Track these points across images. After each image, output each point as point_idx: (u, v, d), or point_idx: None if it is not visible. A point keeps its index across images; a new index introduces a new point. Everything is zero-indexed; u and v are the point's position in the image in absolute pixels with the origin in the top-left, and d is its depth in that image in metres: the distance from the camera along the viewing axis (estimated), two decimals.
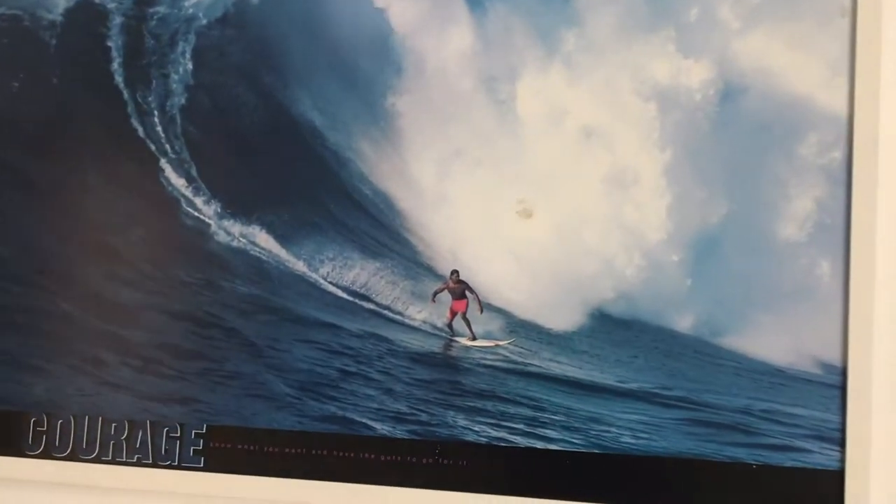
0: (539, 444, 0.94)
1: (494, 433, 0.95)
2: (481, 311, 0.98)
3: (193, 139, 1.06)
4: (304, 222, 1.04)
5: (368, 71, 1.01)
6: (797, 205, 0.90)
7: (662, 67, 0.93)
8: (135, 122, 1.08)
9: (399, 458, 0.97)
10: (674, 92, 0.93)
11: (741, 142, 0.92)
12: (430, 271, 1.00)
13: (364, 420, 0.98)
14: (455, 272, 0.99)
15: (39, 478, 1.06)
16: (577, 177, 0.96)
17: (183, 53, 1.06)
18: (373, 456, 0.97)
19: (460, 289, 0.99)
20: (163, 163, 1.07)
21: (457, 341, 1.00)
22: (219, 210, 1.05)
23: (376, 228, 1.03)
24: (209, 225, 1.05)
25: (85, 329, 1.06)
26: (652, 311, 0.94)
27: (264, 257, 1.04)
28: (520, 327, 0.98)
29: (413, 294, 1.01)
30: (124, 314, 1.06)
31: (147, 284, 1.06)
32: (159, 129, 1.07)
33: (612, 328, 0.95)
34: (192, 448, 1.02)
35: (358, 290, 1.03)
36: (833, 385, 0.87)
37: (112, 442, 1.05)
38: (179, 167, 1.06)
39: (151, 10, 1.08)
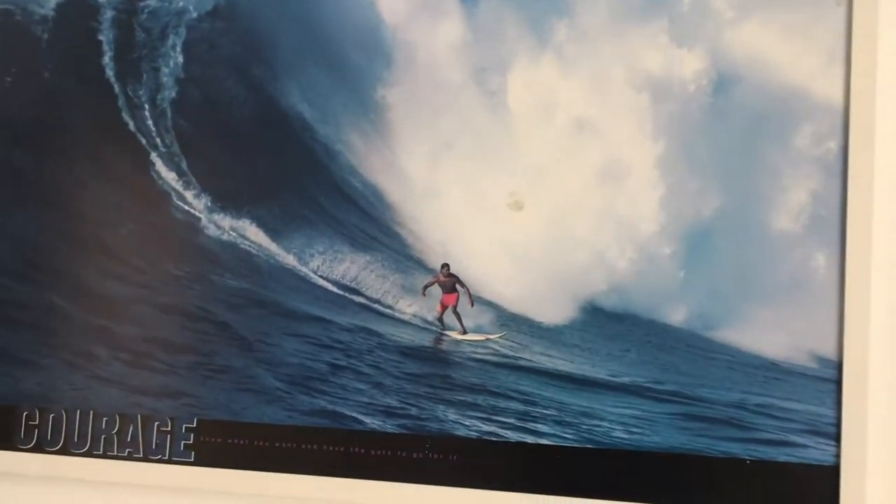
0: (530, 439, 0.93)
1: (485, 427, 0.94)
2: (472, 305, 0.97)
3: (184, 133, 1.06)
4: (295, 216, 1.04)
5: (358, 63, 1.01)
6: (792, 196, 0.88)
7: (655, 58, 0.92)
8: (126, 116, 1.08)
9: (389, 452, 0.96)
10: (667, 83, 0.92)
11: (735, 133, 0.91)
12: (421, 265, 1.00)
13: (354, 414, 0.98)
14: (445, 265, 0.98)
15: (31, 472, 1.06)
16: (568, 169, 0.95)
17: (173, 47, 1.06)
18: (363, 450, 0.97)
19: (451, 282, 0.98)
20: (153, 156, 1.07)
21: (447, 335, 0.99)
22: (209, 204, 1.05)
23: (366, 221, 1.02)
24: (199, 219, 1.05)
25: (76, 323, 1.07)
26: (644, 305, 0.93)
27: (254, 251, 1.04)
28: (510, 321, 0.97)
29: (403, 288, 1.01)
30: (115, 308, 1.06)
31: (138, 278, 1.06)
32: (150, 122, 1.07)
33: (603, 321, 0.94)
34: (182, 442, 1.02)
35: (348, 283, 1.03)
36: (828, 379, 0.86)
37: (103, 436, 1.05)
38: (170, 161, 1.06)
39: (142, 4, 1.08)
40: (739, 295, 0.90)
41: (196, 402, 1.03)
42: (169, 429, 1.03)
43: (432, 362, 0.98)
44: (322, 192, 1.04)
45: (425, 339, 0.99)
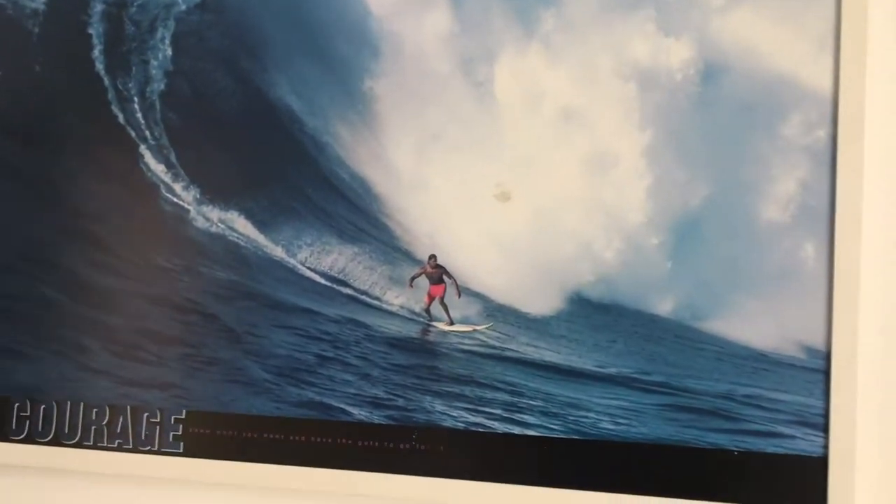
0: (517, 430, 0.93)
1: (472, 418, 0.94)
2: (459, 296, 0.97)
3: (173, 125, 1.06)
4: (283, 208, 1.04)
5: (346, 54, 1.01)
6: (780, 186, 0.88)
7: (642, 47, 0.92)
8: (115, 109, 1.08)
9: (376, 443, 0.96)
10: (654, 72, 0.91)
11: (723, 122, 0.90)
12: (408, 256, 1.00)
13: (341, 405, 0.98)
14: (433, 257, 0.98)
15: (23, 462, 1.07)
16: (555, 159, 0.94)
17: (162, 39, 1.06)
18: (350, 441, 0.97)
19: (438, 273, 0.98)
20: (142, 149, 1.07)
21: (434, 326, 0.99)
22: (198, 196, 1.05)
23: (354, 213, 1.02)
24: (188, 211, 1.05)
25: (67, 315, 1.07)
26: (631, 295, 0.92)
27: (242, 243, 1.04)
28: (497, 312, 0.96)
29: (391, 279, 1.01)
30: (105, 300, 1.06)
31: (127, 270, 1.06)
32: (139, 115, 1.07)
33: (590, 312, 0.94)
34: (171, 433, 1.03)
35: (336, 275, 1.03)
36: (817, 370, 0.86)
37: (93, 427, 1.05)
38: (159, 153, 1.07)
39: None
40: (727, 285, 0.89)
41: (185, 393, 1.03)
42: (158, 420, 1.03)
43: (419, 353, 0.98)
44: (310, 183, 1.04)
45: (412, 331, 0.99)
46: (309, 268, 1.03)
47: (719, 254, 0.90)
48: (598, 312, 0.94)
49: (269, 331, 1.02)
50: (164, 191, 1.06)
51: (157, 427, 1.03)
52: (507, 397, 0.94)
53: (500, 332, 0.96)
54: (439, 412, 0.95)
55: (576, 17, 0.94)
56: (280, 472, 0.99)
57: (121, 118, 1.08)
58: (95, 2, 1.09)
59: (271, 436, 0.99)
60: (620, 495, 0.89)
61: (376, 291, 1.01)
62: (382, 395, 0.97)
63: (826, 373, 0.85)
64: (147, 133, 1.07)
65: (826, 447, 0.85)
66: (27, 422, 1.07)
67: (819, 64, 0.87)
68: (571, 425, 0.92)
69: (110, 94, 1.08)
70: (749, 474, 0.87)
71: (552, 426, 0.92)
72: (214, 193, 1.05)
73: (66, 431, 1.06)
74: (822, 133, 0.87)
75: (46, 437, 1.07)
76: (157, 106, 1.07)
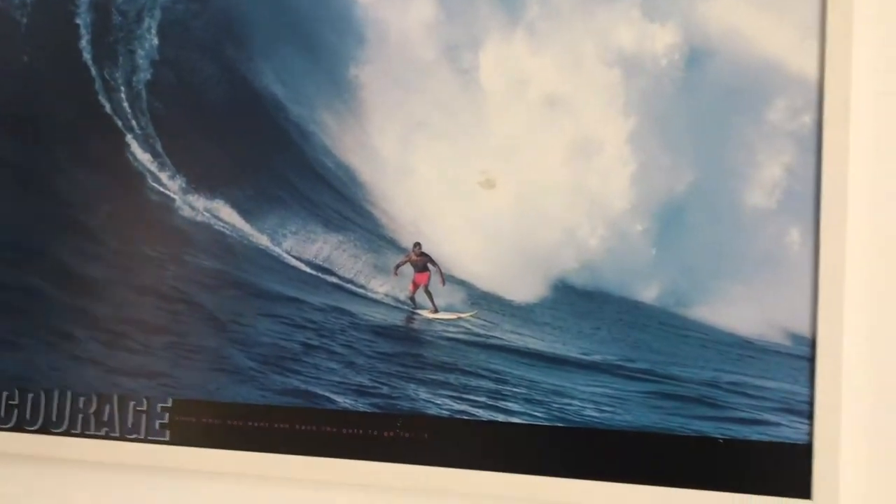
0: (501, 417, 0.93)
1: (456, 406, 0.94)
2: (443, 284, 0.97)
3: (159, 114, 1.06)
4: (268, 196, 1.03)
5: (331, 42, 1.01)
6: (766, 172, 0.87)
7: (627, 33, 0.91)
8: (102, 99, 1.08)
9: (361, 431, 0.96)
10: (639, 58, 0.91)
11: (708, 107, 0.90)
12: (393, 244, 0.99)
13: (326, 393, 0.98)
14: (417, 245, 0.98)
15: (11, 450, 1.07)
16: (540, 146, 0.94)
17: (149, 29, 1.06)
18: (335, 429, 0.97)
19: (422, 261, 0.98)
20: (129, 138, 1.07)
21: (419, 314, 0.98)
22: (183, 185, 1.05)
23: (339, 202, 1.02)
24: (174, 200, 1.05)
25: (54, 304, 1.07)
26: (616, 282, 0.92)
27: (228, 231, 1.04)
28: (482, 299, 0.96)
29: (375, 267, 1.00)
30: (93, 289, 1.07)
31: (114, 259, 1.06)
32: (126, 104, 1.07)
33: (574, 299, 0.93)
34: (157, 421, 1.03)
35: (321, 263, 1.02)
36: (802, 356, 0.85)
37: (81, 415, 1.06)
38: (145, 143, 1.07)
39: None
40: (712, 272, 0.89)
41: (171, 381, 1.03)
42: (145, 408, 1.04)
43: (404, 341, 0.98)
44: (295, 172, 1.04)
45: (397, 319, 0.99)
46: (294, 256, 1.03)
47: (704, 240, 0.89)
48: (582, 299, 0.93)
49: (254, 319, 1.02)
50: (150, 180, 1.06)
51: (144, 415, 1.04)
52: (491, 385, 0.94)
53: (484, 320, 0.96)
54: (424, 400, 0.95)
55: (561, 3, 0.93)
56: (265, 459, 0.99)
57: (108, 108, 1.08)
58: None
59: (256, 424, 0.99)
60: (605, 483, 0.89)
61: (361, 279, 1.01)
62: (367, 382, 0.97)
63: (811, 360, 0.85)
64: (133, 122, 1.07)
65: (811, 434, 0.84)
66: (15, 410, 1.08)
67: (805, 49, 0.86)
68: (556, 413, 0.92)
69: (97, 84, 1.08)
70: (734, 462, 0.86)
71: (536, 413, 0.92)
72: (200, 182, 1.05)
73: (54, 420, 1.07)
74: (808, 118, 0.86)
75: (34, 425, 1.07)
76: (144, 95, 1.07)
